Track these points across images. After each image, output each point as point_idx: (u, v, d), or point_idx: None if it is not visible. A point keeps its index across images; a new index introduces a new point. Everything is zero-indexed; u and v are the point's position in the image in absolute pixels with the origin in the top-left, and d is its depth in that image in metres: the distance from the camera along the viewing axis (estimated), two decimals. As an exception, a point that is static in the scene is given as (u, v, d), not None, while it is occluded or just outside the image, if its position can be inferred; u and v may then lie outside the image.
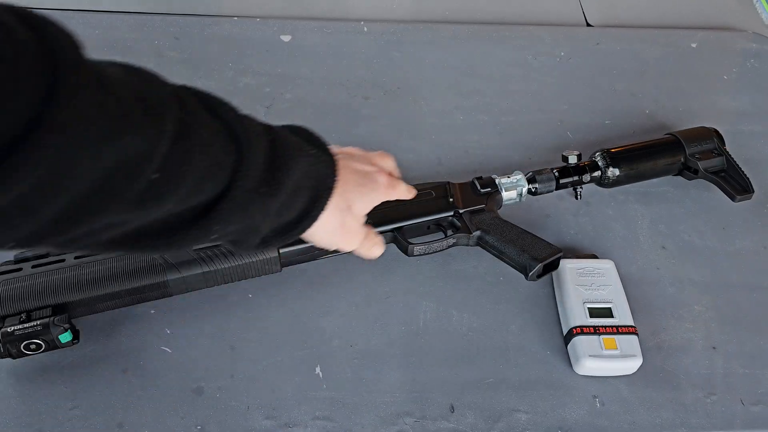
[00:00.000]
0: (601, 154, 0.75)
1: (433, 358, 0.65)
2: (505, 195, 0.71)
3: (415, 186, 0.71)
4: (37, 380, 0.60)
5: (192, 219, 0.39)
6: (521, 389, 0.63)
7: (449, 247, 0.68)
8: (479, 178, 0.71)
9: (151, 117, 0.34)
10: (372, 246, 0.59)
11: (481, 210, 0.69)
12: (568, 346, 0.65)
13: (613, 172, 0.74)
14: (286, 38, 0.93)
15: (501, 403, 0.62)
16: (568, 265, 0.69)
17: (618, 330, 0.64)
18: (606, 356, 0.62)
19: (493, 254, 0.68)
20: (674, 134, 0.78)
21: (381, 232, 0.67)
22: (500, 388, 0.63)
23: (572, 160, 0.74)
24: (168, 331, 0.64)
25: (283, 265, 0.65)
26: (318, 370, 0.63)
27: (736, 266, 0.75)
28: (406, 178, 0.77)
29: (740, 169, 0.77)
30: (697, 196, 0.81)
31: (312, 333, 0.65)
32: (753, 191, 0.76)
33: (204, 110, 0.39)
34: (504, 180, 0.71)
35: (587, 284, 0.68)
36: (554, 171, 0.73)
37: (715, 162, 0.77)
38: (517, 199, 0.72)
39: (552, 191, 0.73)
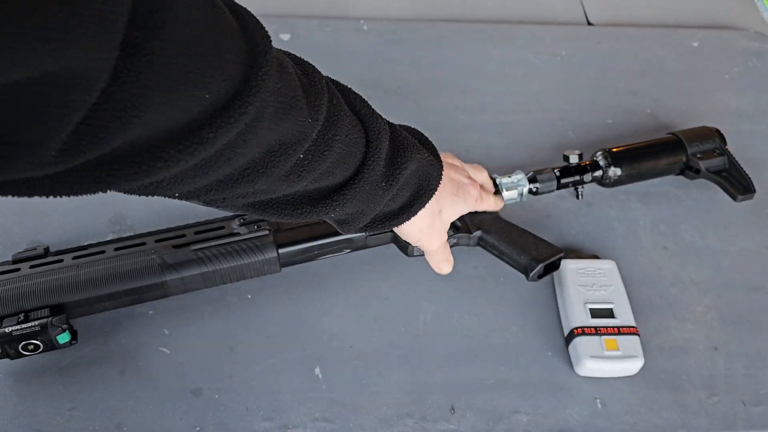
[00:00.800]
0: (603, 153, 0.75)
1: (433, 359, 0.64)
2: (506, 195, 0.71)
3: None
4: (35, 381, 0.60)
5: (319, 197, 0.44)
6: (522, 390, 0.63)
7: (450, 247, 0.68)
8: None
9: (311, 106, 0.39)
10: (443, 260, 0.61)
11: (483, 210, 0.69)
12: (569, 347, 0.65)
13: (615, 171, 0.74)
14: (285, 37, 0.92)
15: (501, 404, 0.62)
16: (569, 266, 0.69)
17: (619, 331, 0.64)
18: (607, 357, 0.62)
19: (494, 254, 0.68)
20: (676, 134, 0.78)
21: (381, 232, 0.67)
22: (501, 389, 0.63)
23: (573, 159, 0.73)
24: (166, 332, 0.64)
25: (282, 265, 0.65)
26: (317, 371, 0.63)
27: (738, 266, 0.75)
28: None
29: (742, 168, 0.77)
30: (699, 196, 0.80)
31: (311, 334, 0.65)
32: (755, 191, 0.76)
33: (345, 104, 0.44)
34: (505, 180, 0.71)
35: (588, 285, 0.67)
36: (555, 171, 0.72)
37: (717, 162, 0.77)
38: (518, 199, 0.71)
39: (553, 191, 0.72)
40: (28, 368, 0.60)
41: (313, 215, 0.45)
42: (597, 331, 0.64)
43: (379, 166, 0.46)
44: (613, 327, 0.64)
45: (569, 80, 0.93)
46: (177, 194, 0.36)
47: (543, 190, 0.72)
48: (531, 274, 0.65)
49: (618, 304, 0.66)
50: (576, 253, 0.73)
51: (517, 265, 0.66)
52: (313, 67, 0.43)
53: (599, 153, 0.75)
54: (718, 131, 0.79)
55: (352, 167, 0.44)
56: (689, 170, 0.77)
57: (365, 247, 0.67)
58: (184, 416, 0.59)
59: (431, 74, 0.91)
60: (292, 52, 0.43)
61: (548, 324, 0.67)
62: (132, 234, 0.67)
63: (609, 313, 0.65)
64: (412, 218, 0.52)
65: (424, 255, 0.66)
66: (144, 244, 0.62)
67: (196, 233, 0.63)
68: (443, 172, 0.53)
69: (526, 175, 0.71)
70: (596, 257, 0.71)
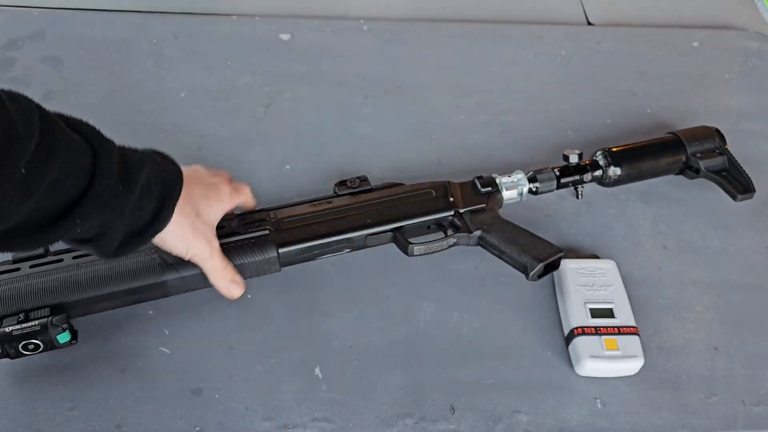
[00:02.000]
0: (603, 153, 0.75)
1: (433, 358, 0.64)
2: (506, 194, 0.71)
3: (415, 184, 0.71)
4: (35, 381, 0.60)
5: (58, 215, 0.45)
6: (522, 390, 0.63)
7: (450, 246, 0.68)
8: (480, 178, 0.71)
9: (25, 127, 0.41)
10: (230, 281, 0.60)
11: (482, 210, 0.69)
12: (569, 347, 0.65)
13: (615, 171, 0.74)
14: (285, 37, 0.93)
15: (501, 404, 0.62)
16: (569, 266, 0.69)
17: (619, 330, 0.64)
18: (607, 357, 0.62)
19: (494, 254, 0.68)
20: (676, 133, 0.78)
21: (381, 232, 0.67)
22: (501, 388, 0.63)
23: (573, 159, 0.73)
24: (167, 332, 0.64)
25: (282, 264, 0.65)
26: (317, 371, 0.63)
27: (738, 266, 0.75)
28: (404, 178, 0.77)
29: (741, 168, 0.77)
30: (699, 196, 0.80)
31: (311, 334, 0.65)
32: (754, 190, 0.76)
33: (61, 121, 0.46)
34: (505, 179, 0.71)
35: (588, 284, 0.67)
36: (555, 170, 0.73)
37: (717, 161, 0.77)
38: (518, 199, 0.71)
39: (553, 190, 0.73)
40: (28, 368, 0.60)
41: (56, 235, 0.46)
42: (597, 330, 0.64)
43: (112, 170, 0.47)
44: (613, 327, 0.64)
45: (569, 80, 0.93)
46: None
47: (543, 190, 0.72)
48: (531, 274, 0.65)
49: (618, 304, 0.66)
50: (576, 252, 0.73)
51: (517, 265, 0.66)
52: (21, 95, 0.44)
53: (599, 152, 0.75)
54: (717, 131, 0.79)
55: (84, 177, 0.46)
56: (689, 170, 0.77)
57: (365, 246, 0.67)
58: (184, 416, 0.59)
59: (431, 74, 0.91)
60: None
61: (548, 324, 0.67)
62: None
63: (609, 313, 0.65)
64: (168, 226, 0.53)
65: (424, 255, 0.66)
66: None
67: None
68: (186, 176, 0.54)
69: (526, 174, 0.72)
70: (596, 257, 0.71)
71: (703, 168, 0.76)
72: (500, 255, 0.67)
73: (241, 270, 0.63)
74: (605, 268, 0.69)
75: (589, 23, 1.04)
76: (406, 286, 0.69)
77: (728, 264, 0.75)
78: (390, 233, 0.67)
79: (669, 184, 0.81)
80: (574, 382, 0.64)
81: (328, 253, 0.66)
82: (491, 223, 0.68)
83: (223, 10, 0.95)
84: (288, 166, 0.78)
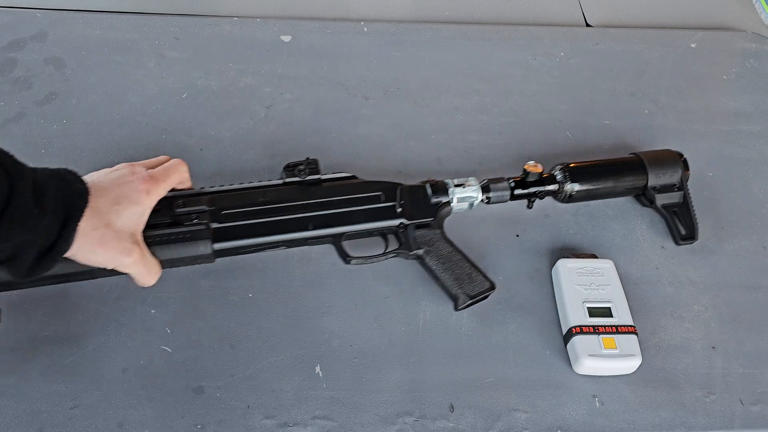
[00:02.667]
0: (561, 168, 0.73)
1: (432, 357, 0.65)
2: (456, 206, 0.70)
3: (366, 182, 0.69)
4: (37, 380, 0.60)
5: None
6: (521, 389, 0.63)
7: (389, 258, 0.68)
8: (433, 184, 0.70)
9: None
10: (147, 272, 0.60)
11: (428, 224, 0.68)
12: (568, 346, 0.65)
13: (572, 187, 0.72)
14: (286, 38, 0.93)
15: (500, 402, 0.62)
16: (567, 265, 0.69)
17: (617, 329, 0.64)
18: (605, 356, 0.63)
19: (430, 276, 0.68)
20: (639, 155, 0.75)
21: (320, 237, 0.66)
22: (500, 387, 0.63)
23: (531, 172, 0.72)
24: (168, 331, 0.64)
25: (217, 256, 0.64)
26: (318, 369, 0.63)
27: (735, 266, 0.75)
28: (404, 179, 0.77)
29: (693, 210, 0.75)
30: (697, 196, 0.81)
31: (312, 332, 0.65)
32: (696, 239, 0.74)
33: None
34: (458, 191, 0.70)
35: (587, 284, 0.68)
36: (510, 181, 0.71)
37: (673, 197, 0.75)
38: (469, 207, 0.70)
39: (506, 201, 0.72)
40: (30, 367, 0.61)
41: None
42: (595, 329, 0.64)
43: (27, 191, 0.48)
44: (611, 326, 0.64)
45: (568, 81, 0.93)
46: None
47: (495, 200, 0.71)
48: (459, 307, 0.66)
49: (616, 303, 0.66)
50: (574, 252, 0.73)
51: (449, 294, 0.66)
52: None
53: (558, 167, 0.74)
54: (683, 159, 0.76)
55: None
56: (644, 197, 0.76)
57: (304, 245, 0.67)
58: (186, 414, 0.59)
59: (431, 75, 0.92)
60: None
61: (547, 323, 0.68)
62: None
63: (607, 312, 0.66)
64: (74, 245, 0.52)
65: (363, 263, 0.67)
66: None
67: None
68: (92, 187, 0.55)
69: (480, 183, 0.71)
70: (594, 256, 0.72)
71: (657, 202, 0.74)
72: (435, 279, 0.67)
73: (174, 263, 0.63)
74: (603, 267, 0.70)
75: (588, 24, 1.04)
76: (406, 285, 0.69)
77: (726, 263, 0.75)
78: (330, 236, 0.67)
79: (667, 184, 0.81)
80: (573, 380, 0.64)
81: (265, 249, 0.66)
82: (433, 244, 0.67)
83: (224, 12, 0.95)
84: (288, 167, 0.78)
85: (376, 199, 0.68)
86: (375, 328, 0.66)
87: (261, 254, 0.67)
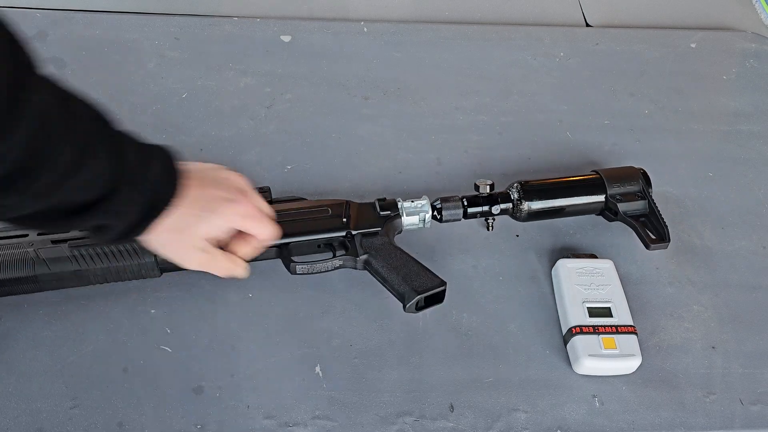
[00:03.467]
0: (517, 186, 0.71)
1: (432, 357, 0.65)
2: (406, 220, 0.69)
3: (315, 201, 0.69)
4: (37, 380, 0.60)
5: (76, 211, 0.47)
6: (521, 388, 0.63)
7: (335, 268, 0.67)
8: (381, 200, 0.69)
9: (67, 140, 0.44)
10: (227, 270, 0.59)
11: (375, 234, 0.67)
12: (568, 346, 0.65)
13: (528, 205, 0.71)
14: (286, 38, 0.93)
15: (500, 402, 0.62)
16: (567, 265, 0.69)
17: (617, 329, 0.64)
18: (605, 356, 0.63)
19: (378, 280, 0.66)
20: (599, 172, 0.74)
21: (266, 247, 0.64)
22: (500, 387, 0.63)
23: (483, 189, 0.71)
24: (168, 331, 0.64)
25: (162, 270, 0.64)
26: (318, 369, 0.63)
27: (735, 266, 0.75)
28: (404, 179, 0.77)
29: (660, 215, 0.72)
30: (696, 196, 0.81)
31: (312, 332, 0.65)
32: (669, 240, 0.71)
33: (103, 129, 0.48)
34: (407, 204, 0.69)
35: (587, 284, 0.68)
36: (463, 199, 0.70)
37: (637, 206, 0.72)
38: (420, 225, 0.69)
39: (459, 219, 0.70)
40: (29, 367, 0.61)
41: (75, 226, 0.49)
42: (595, 329, 0.64)
43: (134, 186, 0.48)
44: (611, 326, 0.64)
45: (568, 81, 0.93)
46: None
47: (448, 218, 0.69)
48: (408, 305, 0.63)
49: (616, 303, 0.66)
50: (574, 252, 0.73)
51: (397, 294, 0.64)
52: (74, 95, 0.46)
53: (514, 185, 0.72)
54: (643, 173, 0.74)
55: (105, 189, 0.47)
56: (609, 212, 0.73)
57: (252, 259, 0.64)
58: (186, 414, 0.59)
59: (431, 75, 0.92)
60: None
61: (547, 323, 0.68)
62: None
63: (607, 312, 0.66)
64: (149, 235, 0.52)
65: (308, 273, 0.66)
66: (26, 235, 0.62)
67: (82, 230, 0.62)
68: (192, 184, 0.53)
69: (432, 201, 0.69)
70: (594, 257, 0.72)
71: (621, 211, 0.72)
72: (383, 282, 0.65)
73: (118, 273, 0.63)
74: (603, 267, 0.70)
75: (588, 25, 1.04)
76: (406, 286, 0.69)
77: (726, 263, 0.75)
78: (275, 249, 0.66)
79: (667, 184, 0.81)
80: (573, 380, 0.64)
81: None
82: (380, 249, 0.66)
83: (225, 12, 0.95)
84: (289, 167, 0.79)
85: (324, 212, 0.68)
86: (375, 328, 0.66)
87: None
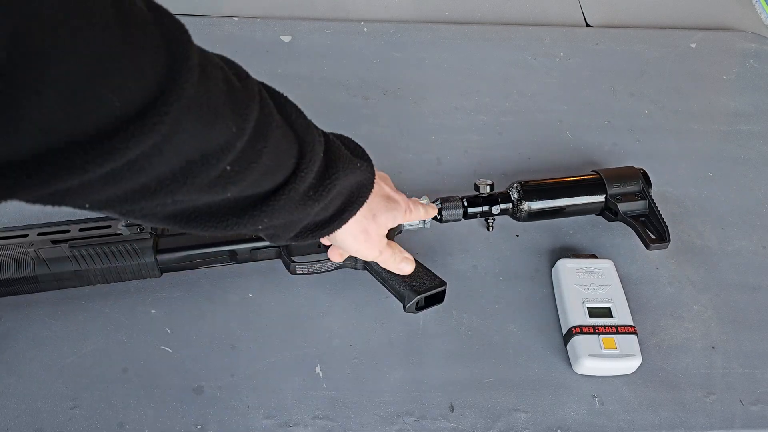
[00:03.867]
0: (517, 186, 0.71)
1: (432, 357, 0.65)
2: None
3: None
4: (36, 380, 0.60)
5: (246, 207, 0.42)
6: (521, 389, 0.63)
7: (335, 268, 0.67)
8: None
9: (237, 114, 0.37)
10: (401, 261, 0.60)
11: None
12: (568, 346, 0.65)
13: (528, 206, 0.71)
14: (286, 38, 0.93)
15: (500, 402, 0.62)
16: (567, 265, 0.69)
17: (617, 330, 0.64)
18: (605, 356, 0.63)
19: (378, 280, 0.66)
20: (599, 172, 0.74)
21: (267, 247, 0.66)
22: (500, 387, 0.63)
23: (483, 189, 0.71)
24: (168, 331, 0.64)
25: (163, 270, 0.64)
26: (318, 369, 0.63)
27: (735, 266, 0.75)
28: (404, 179, 0.77)
29: (660, 215, 0.72)
30: (696, 196, 0.81)
31: (312, 332, 0.65)
32: (669, 240, 0.70)
33: (278, 113, 0.42)
34: None
35: (587, 284, 0.68)
36: (463, 199, 0.70)
37: (637, 206, 0.72)
38: (420, 225, 0.69)
39: (460, 220, 0.70)
40: (29, 367, 0.61)
41: (239, 227, 0.43)
42: (595, 330, 0.64)
43: (309, 178, 0.44)
44: (611, 326, 0.64)
45: (568, 81, 0.93)
46: (87, 205, 0.34)
47: (448, 218, 0.69)
48: (407, 305, 0.63)
49: (616, 303, 0.66)
50: (574, 252, 0.73)
51: (397, 294, 0.64)
52: (246, 72, 0.41)
53: (514, 185, 0.72)
54: (643, 173, 0.74)
55: (280, 178, 0.43)
56: (608, 212, 0.73)
57: (253, 259, 0.67)
58: (186, 414, 0.59)
59: (431, 75, 0.92)
60: (228, 56, 0.42)
61: (547, 323, 0.68)
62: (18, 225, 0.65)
63: (607, 312, 0.66)
64: (344, 226, 0.51)
65: (308, 274, 0.66)
66: (26, 236, 0.62)
67: (81, 230, 0.63)
68: (375, 181, 0.53)
69: (432, 201, 0.69)
70: (594, 257, 0.72)
71: (621, 211, 0.72)
72: (383, 282, 0.65)
73: (118, 273, 0.63)
74: (603, 267, 0.70)
75: (588, 25, 1.04)
76: (406, 286, 0.69)
77: (726, 263, 0.75)
78: (275, 249, 0.66)
79: (667, 184, 0.81)
80: (573, 380, 0.64)
81: (211, 263, 0.66)
82: None
83: (225, 12, 0.95)
84: (288, 167, 0.79)
85: None
86: (375, 328, 0.66)
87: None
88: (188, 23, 0.34)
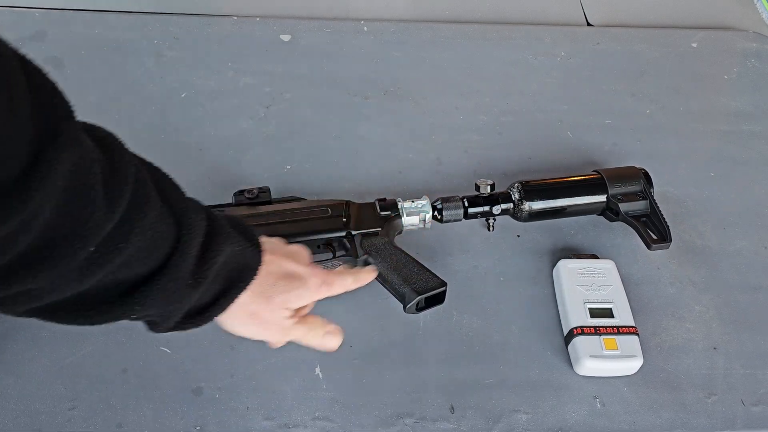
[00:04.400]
0: (518, 186, 0.71)
1: (433, 358, 0.64)
2: (407, 220, 0.68)
3: (315, 201, 0.68)
4: (36, 380, 0.60)
5: (116, 296, 0.39)
6: (522, 389, 0.63)
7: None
8: (382, 200, 0.69)
9: (108, 199, 0.35)
10: (322, 336, 0.54)
11: (375, 234, 0.67)
12: (569, 347, 0.65)
13: (529, 206, 0.71)
14: (285, 38, 0.93)
15: (501, 403, 0.62)
16: (568, 265, 0.69)
17: (618, 330, 0.64)
18: (606, 356, 0.62)
19: (378, 281, 0.65)
20: (600, 172, 0.74)
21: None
22: (500, 388, 0.63)
23: (484, 189, 0.70)
24: (167, 332, 0.64)
25: None
26: (318, 370, 0.63)
27: (737, 266, 0.75)
28: (404, 179, 0.77)
29: (662, 215, 0.71)
30: (698, 196, 0.81)
31: (312, 333, 0.65)
32: (670, 240, 0.70)
33: (156, 194, 0.40)
34: (407, 204, 0.68)
35: (588, 284, 0.67)
36: (464, 199, 0.70)
37: (638, 206, 0.72)
38: (421, 225, 0.69)
39: (460, 220, 0.70)
40: (28, 368, 0.60)
41: (110, 317, 0.40)
42: (596, 330, 0.64)
43: (187, 265, 0.41)
44: (612, 327, 0.64)
45: (568, 81, 0.93)
46: None
47: (449, 218, 0.69)
48: (408, 305, 0.63)
49: (617, 304, 0.66)
50: (575, 252, 0.73)
51: (397, 295, 0.64)
52: (123, 148, 0.38)
53: (514, 185, 0.72)
54: (645, 173, 0.74)
55: (154, 261, 0.40)
56: (610, 212, 0.73)
57: None
58: (185, 415, 0.59)
59: (431, 75, 0.92)
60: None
61: (548, 324, 0.68)
62: None
63: (608, 313, 0.65)
64: (226, 312, 0.47)
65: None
66: None
67: None
68: (267, 260, 0.49)
69: (432, 201, 0.69)
70: (595, 257, 0.72)
71: (622, 211, 0.71)
72: (383, 282, 0.65)
73: None
74: (604, 268, 0.69)
75: (589, 24, 1.04)
76: (406, 286, 0.69)
77: (727, 264, 0.75)
78: None
79: (667, 184, 0.81)
80: (574, 381, 0.64)
81: None
82: (380, 249, 0.66)
83: (224, 11, 0.95)
84: (288, 167, 0.78)
85: (324, 212, 0.67)
86: (375, 329, 0.66)
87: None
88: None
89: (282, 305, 0.51)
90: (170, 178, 0.43)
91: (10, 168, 0.28)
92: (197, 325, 0.47)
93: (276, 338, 0.54)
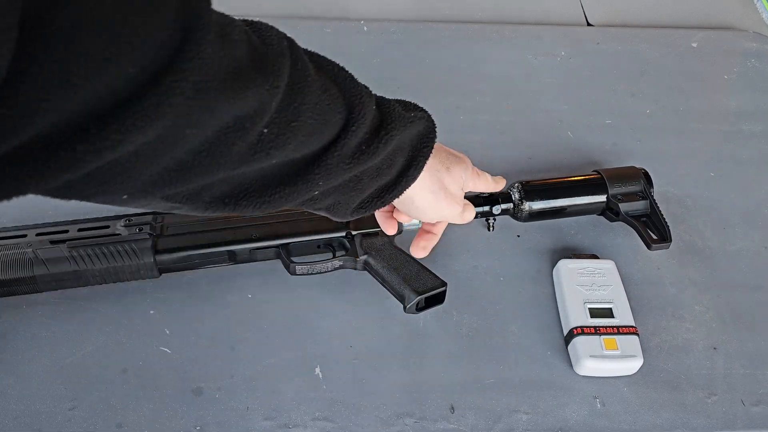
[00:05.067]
0: (518, 186, 0.71)
1: (433, 358, 0.64)
2: (407, 219, 0.68)
3: None
4: (36, 381, 0.60)
5: (296, 173, 0.39)
6: (522, 390, 0.63)
7: (335, 269, 0.66)
8: None
9: (266, 74, 0.34)
10: (464, 211, 0.57)
11: (375, 234, 0.67)
12: (569, 347, 0.65)
13: (529, 206, 0.71)
14: (286, 38, 0.93)
15: (501, 403, 0.62)
16: (568, 265, 0.69)
17: (619, 330, 0.64)
18: (607, 357, 0.62)
19: (378, 281, 0.66)
20: (600, 172, 0.74)
21: (265, 248, 0.65)
22: (500, 388, 0.63)
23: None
24: (167, 332, 0.64)
25: (162, 271, 0.64)
26: (318, 370, 0.63)
27: (737, 266, 0.75)
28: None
29: (662, 215, 0.72)
30: (698, 196, 0.81)
31: (311, 333, 0.65)
32: (670, 241, 0.70)
33: (314, 68, 0.40)
34: None
35: (588, 284, 0.67)
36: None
37: (638, 205, 0.72)
38: (421, 225, 0.68)
39: None
40: (28, 368, 0.60)
41: (295, 196, 0.40)
42: (596, 330, 0.64)
43: (362, 131, 0.42)
44: (613, 327, 0.64)
45: (569, 81, 0.93)
46: (125, 195, 0.32)
47: None
48: (408, 306, 0.63)
49: (617, 304, 0.66)
50: (575, 252, 0.73)
51: (397, 295, 0.64)
52: (273, 29, 0.38)
53: (515, 185, 0.72)
54: (645, 173, 0.74)
55: (328, 135, 0.40)
56: (610, 212, 0.73)
57: (252, 260, 0.66)
58: (185, 416, 0.59)
59: (431, 75, 0.91)
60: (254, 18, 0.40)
61: (548, 324, 0.68)
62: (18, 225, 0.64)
63: (608, 313, 0.65)
64: (416, 184, 0.48)
65: (308, 274, 0.64)
66: (25, 236, 0.62)
67: (79, 230, 0.63)
68: (436, 131, 0.49)
69: None
70: (595, 257, 0.72)
71: (622, 211, 0.71)
72: (383, 282, 0.65)
73: (116, 274, 0.62)
74: (604, 268, 0.69)
75: (589, 24, 1.04)
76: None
77: (728, 264, 0.75)
78: (275, 249, 0.66)
79: (667, 184, 0.81)
80: (574, 381, 0.64)
81: (210, 264, 0.65)
82: (380, 250, 0.66)
83: (223, 11, 0.95)
84: (288, 167, 0.78)
85: None
86: (375, 329, 0.66)
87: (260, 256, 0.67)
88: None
89: (459, 176, 0.53)
90: (324, 57, 0.43)
91: (158, 55, 0.28)
92: (385, 202, 0.47)
93: (455, 212, 0.55)
